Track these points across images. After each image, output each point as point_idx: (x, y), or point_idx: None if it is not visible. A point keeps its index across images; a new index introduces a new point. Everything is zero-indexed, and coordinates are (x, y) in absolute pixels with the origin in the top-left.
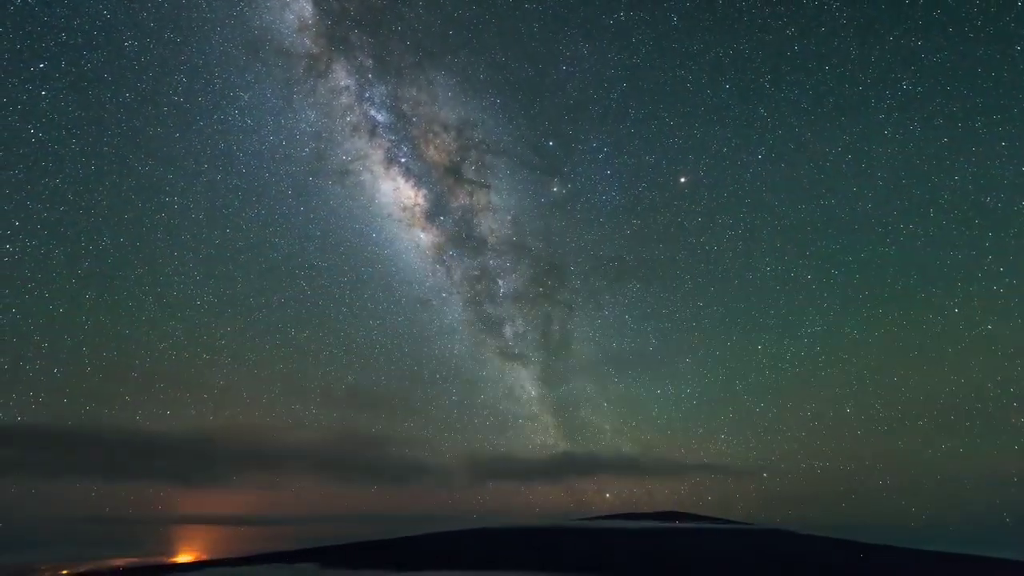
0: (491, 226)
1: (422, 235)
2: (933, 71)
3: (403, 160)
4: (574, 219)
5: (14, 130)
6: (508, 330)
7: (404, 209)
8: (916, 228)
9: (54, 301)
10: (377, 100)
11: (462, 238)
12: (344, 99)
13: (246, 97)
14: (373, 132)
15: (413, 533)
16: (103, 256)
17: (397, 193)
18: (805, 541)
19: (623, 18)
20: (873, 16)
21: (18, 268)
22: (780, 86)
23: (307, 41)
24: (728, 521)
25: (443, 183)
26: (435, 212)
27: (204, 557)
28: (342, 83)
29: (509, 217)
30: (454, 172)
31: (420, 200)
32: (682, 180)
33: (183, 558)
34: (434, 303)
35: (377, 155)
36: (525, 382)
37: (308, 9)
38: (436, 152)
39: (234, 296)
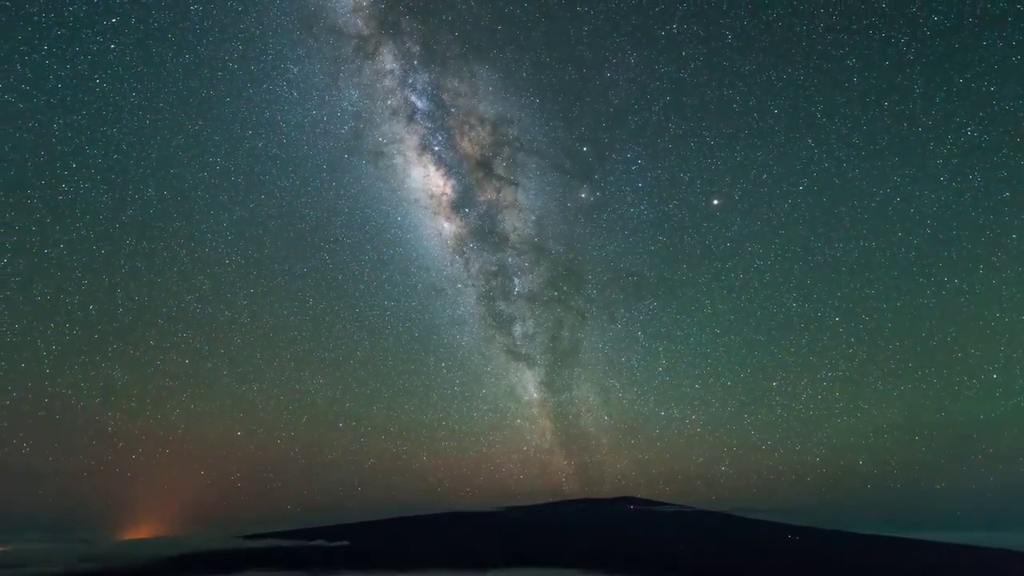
0: (514, 224)
1: (445, 224)
2: (1003, 120)
3: (436, 148)
4: (599, 228)
5: (82, 78)
6: (518, 329)
7: (431, 197)
8: (961, 283)
9: (98, 242)
10: (419, 87)
11: (484, 232)
12: (387, 82)
13: (295, 70)
14: (411, 118)
15: (389, 516)
16: (147, 206)
17: (426, 180)
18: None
19: (675, 30)
20: (944, 55)
21: (70, 208)
22: (832, 117)
23: (359, 22)
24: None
25: (472, 176)
26: (461, 203)
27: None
28: (387, 66)
29: (533, 217)
30: (485, 166)
31: (448, 190)
32: (715, 202)
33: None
34: (448, 293)
35: (412, 140)
36: (528, 383)
37: None
38: (469, 144)
39: (260, 260)
